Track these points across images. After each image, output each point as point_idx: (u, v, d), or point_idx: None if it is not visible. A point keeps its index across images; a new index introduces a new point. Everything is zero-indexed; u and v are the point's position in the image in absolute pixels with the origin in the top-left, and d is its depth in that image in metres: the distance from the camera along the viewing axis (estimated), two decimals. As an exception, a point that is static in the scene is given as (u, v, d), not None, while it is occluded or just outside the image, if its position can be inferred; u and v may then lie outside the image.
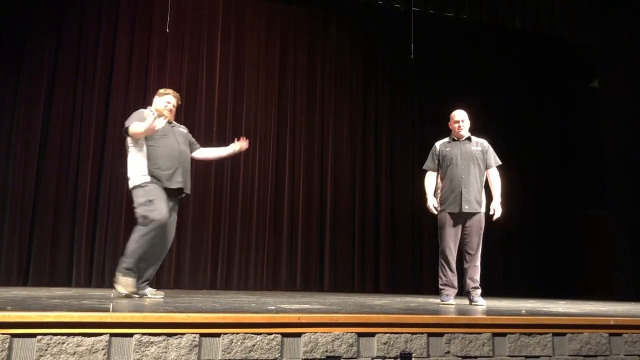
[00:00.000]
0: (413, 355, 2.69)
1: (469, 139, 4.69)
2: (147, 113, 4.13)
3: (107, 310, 2.51)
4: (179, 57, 7.91)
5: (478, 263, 4.55)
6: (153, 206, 3.91)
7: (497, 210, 4.51)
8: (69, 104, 7.31)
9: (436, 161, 4.73)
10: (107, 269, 7.06)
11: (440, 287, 4.65)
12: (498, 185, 4.61)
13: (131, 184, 4.06)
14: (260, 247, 7.94)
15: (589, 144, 9.32)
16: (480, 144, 4.68)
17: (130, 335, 2.29)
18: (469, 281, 4.55)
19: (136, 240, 3.87)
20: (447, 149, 4.68)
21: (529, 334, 2.93)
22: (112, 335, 2.27)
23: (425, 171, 4.80)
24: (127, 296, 3.82)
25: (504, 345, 2.88)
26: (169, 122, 4.24)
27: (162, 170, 4.07)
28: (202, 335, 2.39)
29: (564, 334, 3.00)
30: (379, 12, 8.61)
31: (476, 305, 4.41)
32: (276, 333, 2.50)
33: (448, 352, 2.76)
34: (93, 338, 2.24)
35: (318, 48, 8.79)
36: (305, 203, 8.32)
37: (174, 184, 4.11)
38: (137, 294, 4.00)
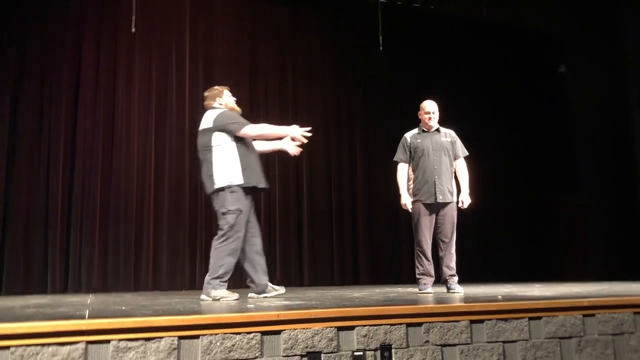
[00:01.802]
0: (393, 346, 2.71)
1: (437, 129, 4.74)
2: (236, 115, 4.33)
3: (83, 318, 2.47)
4: (147, 56, 7.79)
5: (453, 251, 4.62)
6: (241, 217, 4.07)
7: (465, 201, 4.60)
8: (37, 106, 7.13)
9: (407, 153, 4.77)
10: (83, 274, 6.96)
11: (417, 276, 4.71)
12: (466, 176, 4.67)
13: (220, 185, 4.10)
14: (238, 244, 7.90)
15: (558, 129, 9.47)
16: (449, 135, 4.75)
17: (107, 342, 2.27)
18: (445, 269, 4.61)
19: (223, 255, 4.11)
20: (418, 141, 4.72)
21: (506, 320, 2.98)
22: (88, 342, 2.24)
23: (397, 163, 4.83)
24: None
25: (482, 331, 2.92)
26: None
27: (255, 168, 4.22)
28: (180, 337, 2.38)
29: (539, 318, 3.07)
30: (347, 4, 8.61)
31: (453, 292, 4.48)
32: (256, 332, 2.50)
33: (427, 341, 2.79)
34: (69, 347, 2.20)
35: (288, 44, 8.75)
36: (281, 199, 8.30)
37: (263, 183, 4.26)
38: (264, 292, 4.22)
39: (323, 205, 8.57)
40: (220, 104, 4.38)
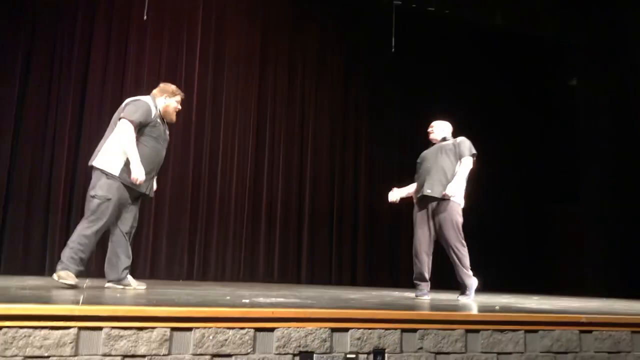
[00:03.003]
0: (386, 350, 2.69)
1: (444, 139, 4.81)
2: (153, 110, 3.98)
3: (77, 303, 2.46)
4: (158, 46, 7.80)
5: (455, 258, 4.55)
6: (106, 205, 3.76)
7: (449, 189, 4.49)
8: (44, 91, 7.16)
9: (419, 163, 4.89)
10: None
11: (414, 280, 4.69)
12: (462, 170, 4.59)
13: (98, 164, 3.85)
14: (237, 238, 7.91)
15: (562, 139, 9.42)
16: (453, 140, 4.75)
17: (100, 328, 2.25)
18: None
19: (81, 234, 3.72)
20: (424, 153, 4.88)
21: (502, 331, 2.95)
22: (80, 328, 2.22)
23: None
24: (72, 287, 3.66)
25: (476, 341, 2.89)
26: (164, 123, 4.15)
27: None
28: (173, 329, 2.36)
29: (536, 331, 3.03)
30: (361, 5, 8.59)
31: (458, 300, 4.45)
32: (249, 328, 2.48)
33: (421, 347, 2.76)
34: (61, 331, 2.19)
35: (299, 40, 8.75)
36: (283, 195, 8.30)
37: (141, 188, 3.96)
38: (122, 284, 3.94)
39: (324, 205, 8.56)
40: (165, 102, 4.10)
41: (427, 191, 4.56)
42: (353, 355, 2.62)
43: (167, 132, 4.23)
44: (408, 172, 7.18)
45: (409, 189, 4.89)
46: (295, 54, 8.69)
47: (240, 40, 8.31)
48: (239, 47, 8.28)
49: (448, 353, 2.81)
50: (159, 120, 4.06)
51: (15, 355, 2.11)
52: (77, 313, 2.24)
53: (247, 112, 8.24)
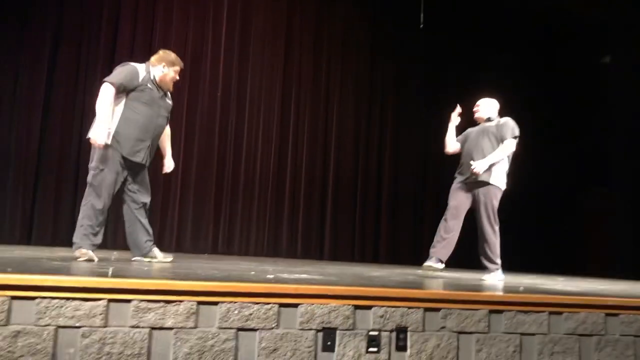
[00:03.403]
0: (409, 329, 2.71)
1: (489, 119, 4.72)
2: (141, 74, 3.84)
3: (106, 275, 2.52)
4: (184, 21, 7.80)
5: (487, 238, 4.51)
6: (101, 176, 3.70)
7: (476, 165, 4.46)
8: (73, 64, 7.25)
9: (462, 137, 4.84)
10: (109, 230, 7.10)
11: (430, 248, 4.73)
12: (498, 150, 4.53)
13: (90, 134, 3.72)
14: (261, 214, 7.97)
15: (595, 120, 9.21)
16: (497, 121, 4.67)
17: (128, 301, 2.31)
18: None
19: (83, 209, 3.71)
20: (469, 130, 4.80)
21: (526, 312, 2.94)
22: (110, 300, 2.28)
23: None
24: (88, 260, 3.63)
25: (500, 322, 2.89)
26: (161, 90, 3.97)
27: (129, 138, 3.78)
28: (199, 303, 2.41)
29: (560, 313, 3.02)
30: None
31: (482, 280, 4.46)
32: (273, 303, 2.52)
33: (444, 327, 2.77)
34: (91, 303, 2.25)
35: (325, 16, 8.65)
36: (307, 171, 8.32)
37: (136, 157, 3.83)
38: (148, 257, 3.96)
39: (348, 182, 8.56)
40: (163, 71, 3.96)
41: (471, 178, 4.53)
42: (376, 333, 2.64)
43: (168, 101, 4.09)
44: (434, 149, 7.13)
45: (454, 137, 4.85)
46: (322, 30, 8.61)
47: (267, 17, 8.26)
48: (265, 24, 8.24)
49: (471, 333, 2.82)
50: (149, 85, 3.89)
51: (48, 325, 2.19)
52: (106, 285, 2.30)
53: (273, 87, 8.23)
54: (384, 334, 2.66)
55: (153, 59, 4.03)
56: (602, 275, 7.34)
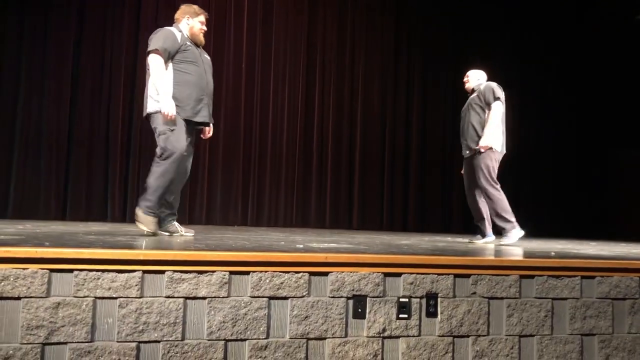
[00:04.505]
0: (439, 295, 2.72)
1: (473, 90, 4.75)
2: (177, 35, 3.78)
3: (140, 248, 2.58)
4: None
5: (492, 198, 4.51)
6: (174, 136, 3.65)
7: (482, 142, 4.47)
8: (99, 41, 7.31)
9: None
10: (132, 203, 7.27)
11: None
12: (491, 119, 4.51)
13: (151, 108, 3.73)
14: (289, 184, 8.02)
15: (630, 81, 8.91)
16: (478, 90, 4.63)
17: (162, 272, 2.36)
18: None
19: (157, 177, 3.65)
20: (463, 108, 4.82)
21: (557, 277, 2.92)
22: (144, 272, 2.34)
23: None
24: (152, 234, 3.67)
25: (531, 287, 2.88)
26: (198, 46, 3.90)
27: (188, 100, 3.75)
28: (231, 273, 2.46)
29: (593, 277, 2.99)
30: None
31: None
32: (304, 272, 2.55)
33: (474, 293, 2.78)
34: (127, 274, 2.31)
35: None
36: (334, 141, 8.30)
37: (199, 117, 3.81)
38: (168, 231, 3.89)
39: (376, 151, 8.52)
40: (188, 24, 3.90)
41: (465, 152, 4.67)
42: (406, 300, 2.66)
43: (207, 57, 4.00)
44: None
45: None
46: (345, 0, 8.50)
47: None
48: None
49: (502, 298, 2.81)
50: (188, 42, 3.83)
51: (87, 296, 2.26)
52: (141, 257, 2.36)
53: (297, 56, 8.18)
54: (414, 300, 2.67)
55: (176, 15, 3.97)
56: (635, 239, 7.20)
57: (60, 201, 7.01)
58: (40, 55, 7.06)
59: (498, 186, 4.51)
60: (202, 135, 4.09)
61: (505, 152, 4.61)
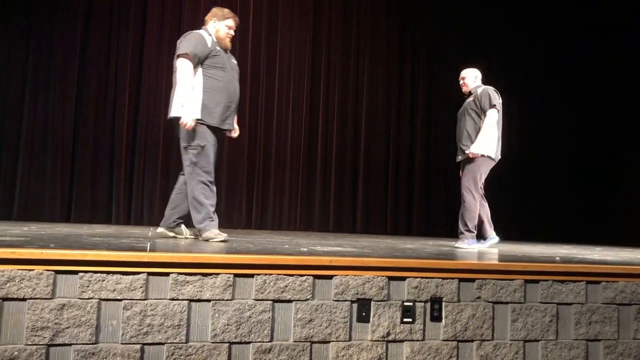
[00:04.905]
0: (443, 299, 2.71)
1: (470, 93, 4.73)
2: (208, 39, 3.73)
3: (145, 250, 2.58)
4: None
5: (463, 203, 4.62)
6: (204, 152, 3.62)
7: (471, 149, 4.51)
8: (104, 42, 7.33)
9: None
10: (145, 207, 7.28)
11: None
12: (484, 126, 4.51)
13: (175, 112, 3.63)
14: (294, 188, 8.02)
15: (628, 81, 8.85)
16: (475, 94, 4.61)
17: (167, 274, 2.37)
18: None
19: (199, 193, 3.61)
20: (459, 112, 4.82)
21: (562, 282, 2.91)
22: (149, 274, 2.34)
23: None
24: (223, 241, 3.61)
25: (536, 292, 2.87)
26: (226, 51, 3.83)
27: (217, 107, 3.68)
28: (236, 275, 2.46)
29: (598, 282, 2.98)
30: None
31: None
32: (308, 275, 2.55)
33: (479, 297, 2.77)
34: (131, 276, 2.32)
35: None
36: (339, 144, 8.30)
37: (225, 126, 3.76)
38: (173, 232, 3.88)
39: (380, 154, 8.51)
40: (215, 27, 3.83)
41: (458, 158, 4.72)
42: (410, 303, 2.65)
43: (234, 62, 3.93)
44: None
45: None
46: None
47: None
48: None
49: (506, 303, 2.81)
50: (218, 48, 3.76)
51: (91, 298, 2.26)
52: (146, 260, 2.36)
53: (302, 59, 8.19)
54: (418, 304, 2.67)
55: (206, 18, 3.92)
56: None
57: (65, 203, 7.02)
58: (46, 56, 7.08)
59: (477, 195, 4.57)
60: (229, 134, 3.99)
61: (500, 157, 4.61)
